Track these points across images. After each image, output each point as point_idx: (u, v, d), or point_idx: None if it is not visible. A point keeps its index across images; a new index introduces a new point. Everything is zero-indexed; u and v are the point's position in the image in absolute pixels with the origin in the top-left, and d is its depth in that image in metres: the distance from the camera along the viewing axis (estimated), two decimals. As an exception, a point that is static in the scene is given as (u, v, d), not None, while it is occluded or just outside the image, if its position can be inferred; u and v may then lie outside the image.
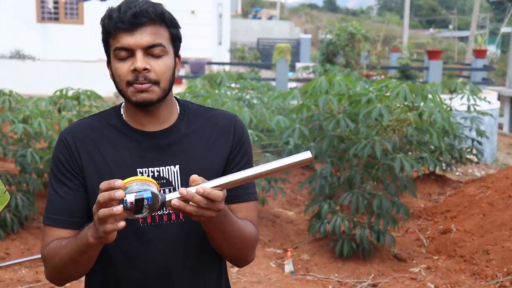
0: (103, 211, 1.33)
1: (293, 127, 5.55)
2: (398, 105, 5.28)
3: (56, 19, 15.24)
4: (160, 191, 1.39)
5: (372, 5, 60.68)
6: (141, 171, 1.60)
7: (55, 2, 14.98)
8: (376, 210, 5.07)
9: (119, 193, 1.32)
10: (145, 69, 1.53)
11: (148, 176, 1.60)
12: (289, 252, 5.18)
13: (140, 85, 1.54)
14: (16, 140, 5.87)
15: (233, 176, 1.43)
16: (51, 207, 1.62)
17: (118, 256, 1.62)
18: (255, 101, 7.58)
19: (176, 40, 1.62)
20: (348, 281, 4.93)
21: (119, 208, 1.32)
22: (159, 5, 1.58)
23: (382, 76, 12.99)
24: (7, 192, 1.33)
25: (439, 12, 47.84)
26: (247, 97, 7.74)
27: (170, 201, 1.39)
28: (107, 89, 12.48)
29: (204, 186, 1.39)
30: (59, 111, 6.23)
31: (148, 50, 1.54)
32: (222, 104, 6.21)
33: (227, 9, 17.93)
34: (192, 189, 1.38)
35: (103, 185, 1.36)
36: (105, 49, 1.62)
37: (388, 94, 5.26)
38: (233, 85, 8.58)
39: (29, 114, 5.57)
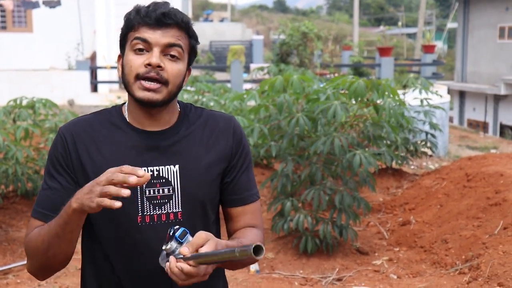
0: (119, 175, 1.37)
1: (251, 127, 5.57)
2: (354, 102, 5.37)
3: (4, 28, 14.91)
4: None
5: (322, 4, 61.38)
6: None
7: (2, 11, 14.66)
8: (338, 206, 5.15)
9: (133, 178, 1.37)
10: (159, 66, 1.55)
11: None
12: (254, 251, 5.21)
13: (149, 84, 1.55)
14: (-30, 152, 5.73)
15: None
16: (40, 201, 1.63)
17: (116, 255, 1.62)
18: (211, 103, 7.59)
19: (192, 52, 1.64)
20: (313, 276, 5.00)
21: (127, 192, 1.36)
22: (187, 15, 1.61)
23: (336, 74, 13.17)
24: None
25: (387, 10, 48.71)
26: (204, 99, 7.75)
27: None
28: (60, 97, 12.33)
29: (185, 261, 1.40)
30: (14, 121, 6.12)
31: (166, 50, 1.56)
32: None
33: (179, 13, 17.83)
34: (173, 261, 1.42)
35: (127, 168, 1.39)
36: (121, 43, 1.62)
37: (343, 91, 5.34)
38: (188, 88, 8.57)
39: (-17, 125, 5.46)
